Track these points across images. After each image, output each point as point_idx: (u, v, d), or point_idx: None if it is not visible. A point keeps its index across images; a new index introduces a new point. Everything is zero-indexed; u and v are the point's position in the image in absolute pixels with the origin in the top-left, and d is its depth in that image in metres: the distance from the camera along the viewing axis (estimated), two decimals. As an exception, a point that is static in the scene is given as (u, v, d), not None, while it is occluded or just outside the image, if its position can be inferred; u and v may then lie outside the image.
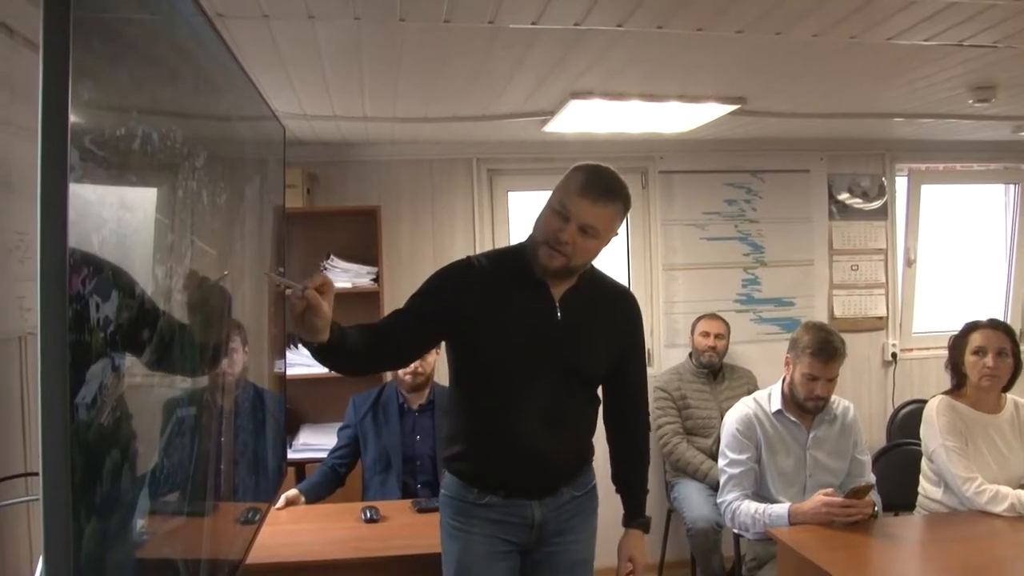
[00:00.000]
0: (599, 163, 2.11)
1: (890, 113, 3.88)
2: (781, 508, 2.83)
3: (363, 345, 1.95)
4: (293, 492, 3.20)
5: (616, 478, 2.39)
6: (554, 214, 2.05)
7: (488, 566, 2.19)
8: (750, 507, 2.91)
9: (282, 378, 2.78)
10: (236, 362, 1.78)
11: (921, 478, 3.09)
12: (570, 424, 2.22)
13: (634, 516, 2.37)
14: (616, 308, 2.28)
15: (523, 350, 2.12)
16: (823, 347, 2.92)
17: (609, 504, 2.42)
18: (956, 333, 3.11)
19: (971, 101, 3.36)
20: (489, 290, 2.13)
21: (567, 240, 2.02)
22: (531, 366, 2.13)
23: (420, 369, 3.32)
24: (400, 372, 3.34)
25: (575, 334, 2.16)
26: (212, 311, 1.66)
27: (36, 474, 0.92)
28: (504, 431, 2.15)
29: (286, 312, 1.80)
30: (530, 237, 2.14)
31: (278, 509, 3.03)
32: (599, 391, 2.33)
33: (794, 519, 2.77)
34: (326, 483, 3.37)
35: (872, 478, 3.06)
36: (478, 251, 4.40)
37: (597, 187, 2.03)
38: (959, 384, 3.06)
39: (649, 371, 2.87)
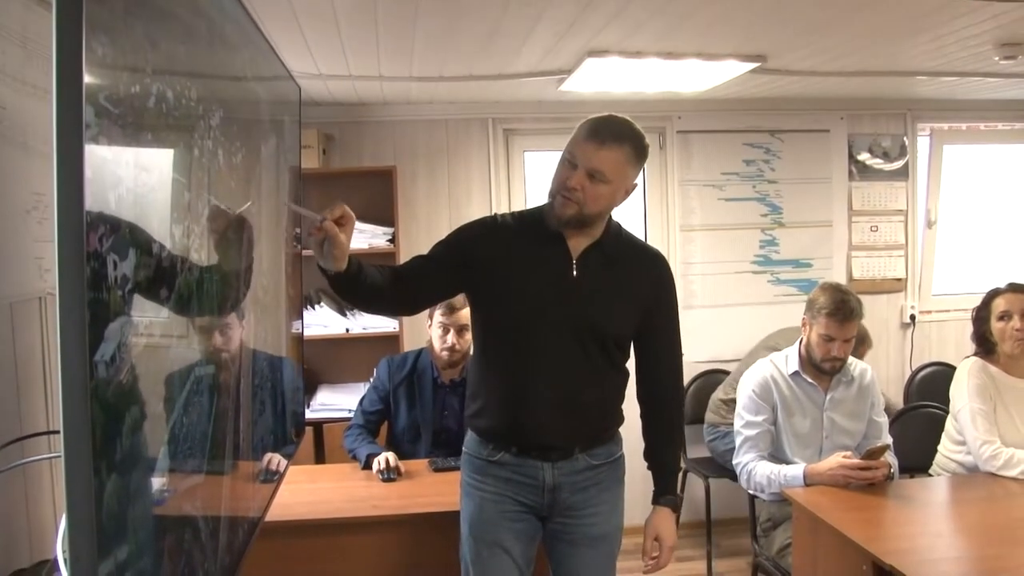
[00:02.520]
0: (613, 113, 2.11)
1: (913, 71, 3.81)
2: (796, 469, 2.83)
3: (382, 282, 2.00)
4: (388, 455, 3.10)
5: (647, 454, 2.35)
6: (564, 163, 2.08)
7: (500, 525, 2.19)
8: (766, 468, 2.92)
9: (300, 339, 2.80)
10: (232, 337, 1.77)
11: (944, 436, 3.10)
12: (584, 385, 2.19)
13: (663, 493, 2.32)
14: (639, 269, 2.24)
15: (536, 306, 2.13)
16: (839, 307, 2.91)
17: (633, 472, 2.41)
18: (979, 304, 3.09)
19: (997, 58, 3.30)
20: (509, 245, 2.16)
21: (575, 186, 2.03)
22: (544, 322, 2.13)
23: (457, 346, 3.25)
24: (437, 348, 3.29)
25: (590, 291, 2.14)
26: (230, 270, 1.66)
27: (58, 432, 0.93)
28: (515, 385, 2.16)
29: (303, 237, 1.85)
30: (547, 196, 2.15)
31: (384, 474, 3.01)
32: (629, 364, 2.29)
33: (809, 480, 2.78)
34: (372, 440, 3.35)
35: (889, 439, 3.06)
36: (494, 211, 4.43)
37: (603, 131, 2.04)
38: (988, 352, 3.04)
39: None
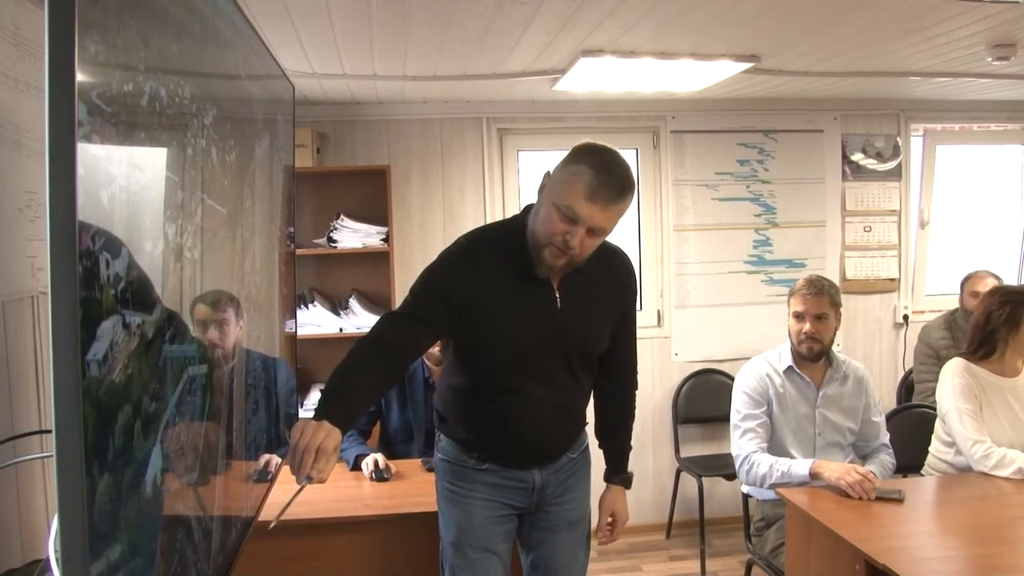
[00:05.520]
0: (603, 148, 1.95)
1: (906, 72, 3.83)
2: (802, 463, 2.84)
3: (371, 385, 1.89)
4: (377, 456, 3.08)
5: (601, 434, 2.39)
6: (560, 216, 1.91)
7: (490, 531, 2.19)
8: (769, 458, 2.93)
9: (293, 338, 2.79)
10: (228, 334, 1.77)
11: (934, 438, 3.10)
12: (572, 399, 2.23)
13: (617, 472, 2.38)
14: (611, 274, 2.22)
15: (524, 342, 2.08)
16: (807, 284, 3.02)
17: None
18: (995, 301, 3.03)
19: (990, 59, 3.31)
20: (488, 282, 2.05)
21: (575, 245, 1.92)
22: (532, 355, 2.10)
23: None
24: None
25: (575, 319, 2.11)
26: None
27: (50, 431, 0.93)
28: (505, 414, 2.14)
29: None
30: (530, 234, 2.02)
31: (376, 475, 3.00)
32: None
33: (814, 469, 2.77)
34: (363, 442, 3.34)
35: (886, 437, 3.08)
36: (488, 211, 4.43)
37: (607, 191, 1.88)
38: (989, 351, 3.02)
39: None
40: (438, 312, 2.01)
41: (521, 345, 2.08)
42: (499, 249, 2.09)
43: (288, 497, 1.62)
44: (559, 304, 2.09)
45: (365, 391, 1.88)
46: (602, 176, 1.88)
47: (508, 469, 2.19)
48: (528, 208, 2.12)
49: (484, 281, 2.04)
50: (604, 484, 2.40)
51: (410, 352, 2.04)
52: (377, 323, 2.02)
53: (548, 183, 1.98)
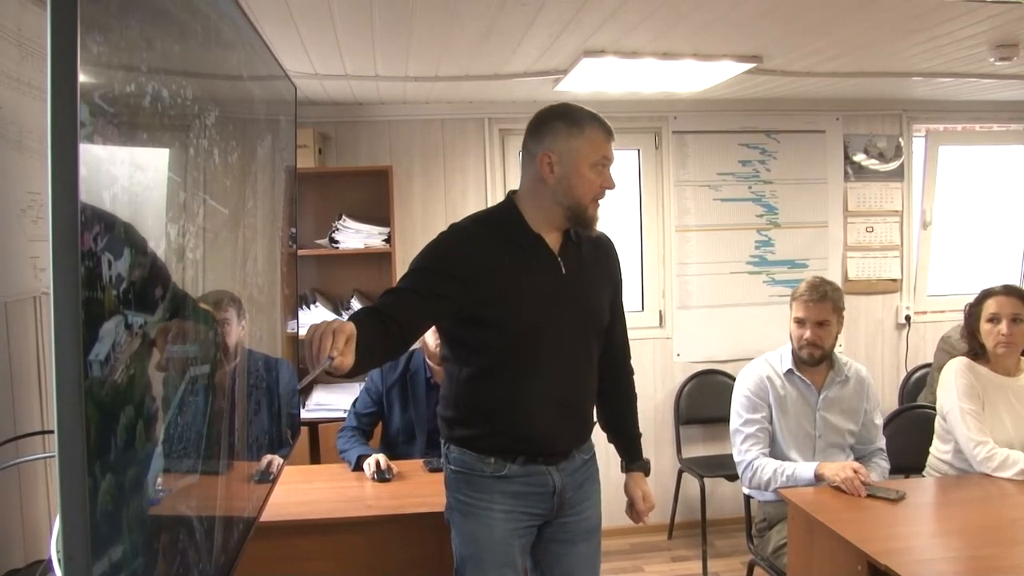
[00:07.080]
0: (573, 105, 2.13)
1: (909, 72, 3.82)
2: (807, 467, 2.84)
3: (379, 345, 1.84)
4: (379, 456, 3.08)
5: (610, 427, 2.40)
6: (597, 171, 2.09)
7: (512, 544, 2.14)
8: (773, 463, 2.92)
9: (295, 338, 2.79)
10: (231, 334, 1.77)
11: (934, 437, 3.10)
12: (583, 381, 2.21)
13: (634, 460, 2.40)
14: (603, 252, 2.29)
15: (540, 314, 2.08)
16: (809, 289, 3.00)
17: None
18: (972, 300, 3.09)
19: (992, 59, 3.31)
20: (493, 258, 2.07)
21: (614, 181, 2.12)
22: (550, 328, 2.10)
23: None
24: (431, 345, 3.27)
25: (581, 285, 2.15)
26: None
27: (52, 431, 0.93)
28: (522, 398, 2.10)
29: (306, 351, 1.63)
30: (566, 207, 2.09)
31: (378, 475, 2.99)
32: None
33: (819, 472, 2.78)
34: (365, 442, 3.34)
35: (882, 441, 3.09)
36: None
37: (608, 127, 2.11)
38: (978, 348, 3.03)
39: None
40: (439, 286, 2.02)
41: (536, 313, 2.08)
42: (496, 226, 2.14)
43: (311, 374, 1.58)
44: (563, 270, 2.14)
45: (369, 338, 1.76)
46: (602, 121, 2.11)
47: (527, 473, 2.13)
48: (513, 193, 2.19)
49: (488, 253, 2.08)
50: (619, 484, 2.40)
51: (406, 327, 1.95)
52: (377, 300, 2.01)
53: (562, 158, 2.07)
